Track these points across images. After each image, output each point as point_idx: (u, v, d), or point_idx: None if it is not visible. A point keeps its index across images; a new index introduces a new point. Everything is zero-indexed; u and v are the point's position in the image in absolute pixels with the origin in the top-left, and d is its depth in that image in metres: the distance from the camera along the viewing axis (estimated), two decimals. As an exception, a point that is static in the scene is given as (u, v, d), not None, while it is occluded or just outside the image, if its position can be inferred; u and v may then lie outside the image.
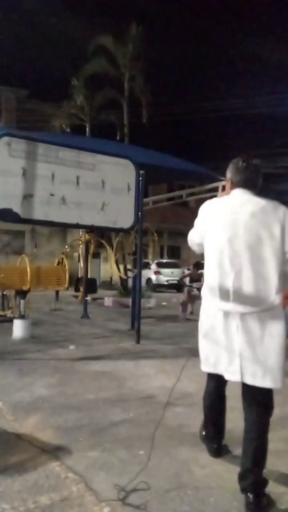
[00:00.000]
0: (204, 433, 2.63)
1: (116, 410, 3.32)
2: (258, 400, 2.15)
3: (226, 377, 2.21)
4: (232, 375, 2.17)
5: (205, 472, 2.37)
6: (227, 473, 2.36)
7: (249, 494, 2.03)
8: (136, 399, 3.60)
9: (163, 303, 12.98)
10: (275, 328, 2.11)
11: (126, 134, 16.66)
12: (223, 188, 2.75)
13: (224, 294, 2.16)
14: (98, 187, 6.17)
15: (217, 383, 2.41)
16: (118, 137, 17.51)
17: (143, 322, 6.71)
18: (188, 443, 2.74)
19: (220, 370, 2.23)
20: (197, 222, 2.42)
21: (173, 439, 2.79)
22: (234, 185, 2.32)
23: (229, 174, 2.36)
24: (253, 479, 2.06)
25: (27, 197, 5.55)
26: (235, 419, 2.53)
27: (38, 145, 5.72)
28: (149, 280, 20.30)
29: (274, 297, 2.09)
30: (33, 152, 5.63)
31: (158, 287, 20.13)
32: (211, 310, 2.25)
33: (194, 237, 2.46)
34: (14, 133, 6.11)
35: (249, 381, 2.11)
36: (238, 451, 2.63)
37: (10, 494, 2.11)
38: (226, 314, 2.15)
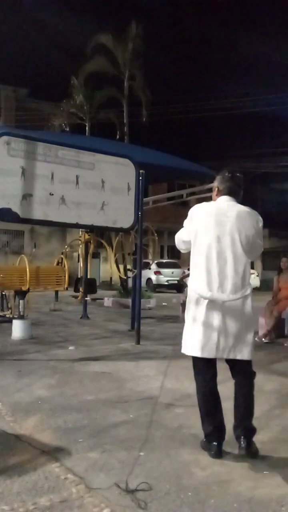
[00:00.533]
0: (204, 439, 2.64)
1: (116, 411, 3.31)
2: (241, 369, 2.62)
3: (207, 355, 2.55)
4: (213, 353, 2.54)
5: (206, 474, 2.36)
6: (227, 474, 2.35)
7: (242, 439, 2.49)
8: (136, 400, 3.59)
9: (163, 304, 12.96)
10: (247, 313, 2.59)
11: (126, 133, 16.62)
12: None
13: (210, 284, 2.56)
14: (97, 187, 6.15)
15: (207, 377, 2.63)
16: (117, 136, 17.48)
17: (143, 322, 6.69)
18: (189, 444, 2.72)
19: (200, 351, 2.55)
20: (186, 221, 2.76)
21: (173, 440, 2.78)
22: (220, 193, 2.74)
23: (216, 183, 2.78)
24: (245, 426, 2.53)
25: (27, 196, 5.53)
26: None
27: (37, 144, 5.69)
28: (149, 280, 20.29)
29: (246, 288, 2.59)
30: (32, 151, 5.60)
31: (158, 287, 20.12)
32: (197, 298, 2.59)
33: (182, 235, 2.79)
34: (13, 132, 6.09)
35: (229, 355, 2.56)
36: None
37: (9, 496, 2.09)
38: (210, 302, 2.54)
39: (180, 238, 2.81)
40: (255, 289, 20.17)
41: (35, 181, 5.61)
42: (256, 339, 6.77)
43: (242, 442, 2.48)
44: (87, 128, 19.09)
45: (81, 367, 4.70)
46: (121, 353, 5.50)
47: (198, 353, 2.57)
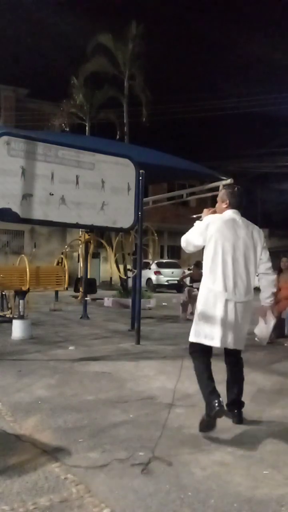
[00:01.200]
0: (205, 411, 2.86)
1: (116, 411, 3.31)
2: (237, 356, 3.17)
3: (219, 345, 2.95)
4: (223, 344, 2.96)
5: (206, 474, 2.36)
6: (227, 474, 2.35)
7: (235, 411, 3.09)
8: (136, 400, 3.59)
9: (163, 304, 12.96)
10: (250, 312, 3.07)
11: (126, 133, 16.62)
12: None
13: (226, 287, 2.95)
14: (97, 187, 6.15)
15: (209, 357, 3.04)
16: (118, 136, 17.49)
17: (143, 322, 6.69)
18: (189, 444, 2.72)
19: (213, 341, 2.94)
20: (201, 228, 3.06)
21: (173, 440, 2.78)
22: (230, 206, 3.12)
23: (225, 196, 3.15)
24: (239, 401, 3.13)
25: (27, 196, 5.53)
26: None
27: (37, 145, 5.69)
28: (149, 280, 20.28)
29: (252, 292, 3.04)
30: (32, 151, 5.60)
31: (158, 287, 20.11)
32: (212, 297, 2.96)
33: (195, 240, 3.09)
34: (13, 132, 6.09)
35: (233, 346, 3.02)
36: (238, 452, 2.63)
37: (9, 495, 2.09)
38: (226, 301, 2.94)
39: (191, 241, 3.11)
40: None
41: (35, 181, 5.61)
42: (256, 339, 6.80)
43: (236, 414, 3.09)
44: (87, 128, 19.10)
45: (81, 367, 4.70)
46: (121, 353, 5.50)
47: (211, 343, 2.96)
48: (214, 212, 3.20)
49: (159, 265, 20.91)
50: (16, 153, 5.46)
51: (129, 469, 2.38)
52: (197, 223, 3.23)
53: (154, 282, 20.45)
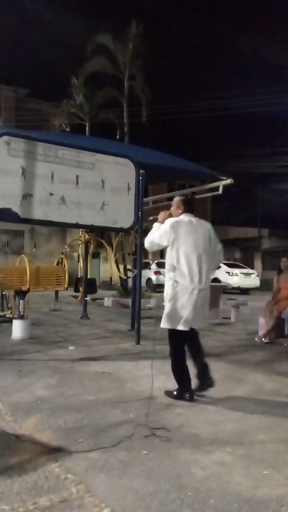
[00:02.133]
0: (180, 389, 3.58)
1: (116, 411, 3.31)
2: (197, 335, 3.73)
3: (194, 326, 3.57)
4: (195, 325, 3.59)
5: (206, 474, 2.36)
6: (227, 474, 2.35)
7: (208, 377, 3.60)
8: (136, 400, 3.59)
9: (163, 304, 12.93)
10: (208, 295, 3.71)
11: (126, 133, 16.61)
12: (180, 199, 3.85)
13: (192, 278, 3.53)
14: (97, 187, 6.15)
15: (185, 342, 3.63)
16: (118, 136, 17.48)
17: (143, 322, 6.68)
18: (189, 444, 2.72)
19: (188, 324, 3.51)
20: (164, 230, 3.56)
21: (173, 440, 2.78)
22: (184, 210, 3.68)
23: (179, 203, 3.71)
24: (207, 366, 3.63)
25: (27, 196, 5.53)
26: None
27: (37, 145, 5.69)
28: (149, 280, 20.27)
29: (210, 279, 3.69)
30: (32, 151, 5.60)
31: (158, 287, 20.08)
32: (181, 288, 3.52)
33: (160, 241, 3.60)
34: (13, 132, 6.09)
35: (200, 326, 3.69)
36: (239, 452, 2.63)
37: (9, 495, 2.09)
38: (192, 290, 3.52)
39: (156, 242, 3.63)
40: (255, 289, 20.23)
41: (35, 181, 5.61)
42: (256, 339, 6.81)
43: (209, 379, 3.58)
44: (87, 128, 19.07)
45: (81, 367, 4.70)
46: (121, 353, 5.50)
47: (187, 327, 3.51)
48: (170, 215, 3.72)
49: (159, 265, 20.86)
50: (16, 153, 5.46)
51: (129, 469, 2.38)
52: (155, 224, 3.72)
53: (154, 282, 20.43)
